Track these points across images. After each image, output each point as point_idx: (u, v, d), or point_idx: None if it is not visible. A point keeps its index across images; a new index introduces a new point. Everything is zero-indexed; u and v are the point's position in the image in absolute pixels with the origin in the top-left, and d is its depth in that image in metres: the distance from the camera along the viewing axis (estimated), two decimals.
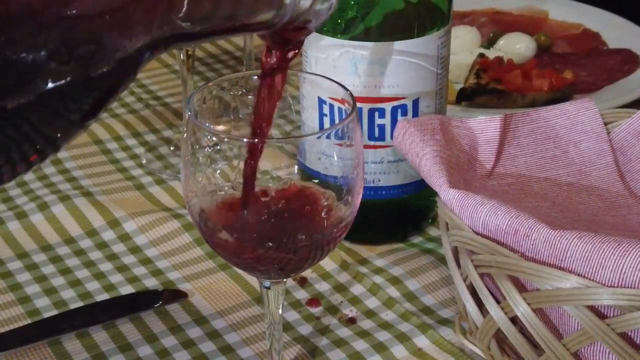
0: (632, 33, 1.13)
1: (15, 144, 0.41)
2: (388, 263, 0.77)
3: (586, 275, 0.56)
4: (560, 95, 0.99)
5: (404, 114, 0.74)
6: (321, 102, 0.72)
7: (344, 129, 0.55)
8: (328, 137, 0.56)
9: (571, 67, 1.06)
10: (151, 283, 0.75)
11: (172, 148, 0.95)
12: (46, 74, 0.40)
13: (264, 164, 0.56)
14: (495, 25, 1.15)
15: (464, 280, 0.64)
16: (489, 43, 1.11)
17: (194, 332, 0.70)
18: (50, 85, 0.40)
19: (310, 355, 0.68)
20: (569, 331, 0.58)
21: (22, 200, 0.86)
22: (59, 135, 0.43)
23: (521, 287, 0.60)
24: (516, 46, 1.09)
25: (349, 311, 0.72)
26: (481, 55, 1.05)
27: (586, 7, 1.19)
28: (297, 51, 0.55)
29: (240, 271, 0.75)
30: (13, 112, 0.39)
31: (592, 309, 0.56)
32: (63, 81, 0.40)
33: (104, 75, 0.42)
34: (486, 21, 1.16)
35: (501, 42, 1.10)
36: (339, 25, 0.72)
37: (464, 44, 1.08)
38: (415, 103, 0.74)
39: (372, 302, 0.73)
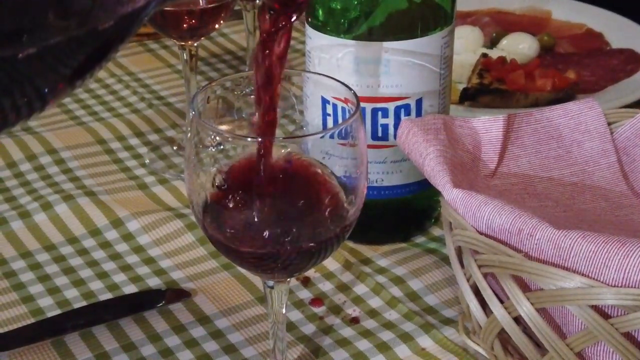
0: (635, 33, 1.13)
1: (15, 91, 0.41)
2: (391, 263, 0.77)
3: (590, 275, 0.56)
4: (563, 95, 0.99)
5: (407, 113, 0.74)
6: (324, 101, 0.72)
7: (347, 128, 0.55)
8: (332, 136, 0.56)
9: (574, 67, 1.06)
10: (154, 282, 0.75)
11: (175, 148, 0.95)
12: (48, 25, 0.40)
13: None
14: (498, 25, 1.15)
15: (468, 280, 0.64)
16: (492, 43, 1.11)
17: (197, 331, 0.70)
18: (53, 35, 0.40)
19: (314, 354, 0.68)
20: (572, 331, 0.58)
21: (25, 200, 0.86)
22: (54, 88, 0.43)
23: (525, 287, 0.60)
24: (519, 46, 1.09)
25: (352, 311, 0.72)
26: (484, 55, 1.05)
27: (589, 7, 1.19)
28: (299, 11, 0.53)
29: (243, 271, 0.75)
30: (20, 60, 0.39)
31: (596, 308, 0.56)
32: (66, 32, 0.40)
33: (108, 26, 0.42)
34: (489, 21, 1.16)
35: (504, 42, 1.10)
36: (342, 25, 0.72)
37: (467, 44, 1.08)
38: (419, 103, 0.74)
39: (375, 302, 0.73)
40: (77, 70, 0.43)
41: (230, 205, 0.56)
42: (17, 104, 0.42)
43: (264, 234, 0.55)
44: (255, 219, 0.55)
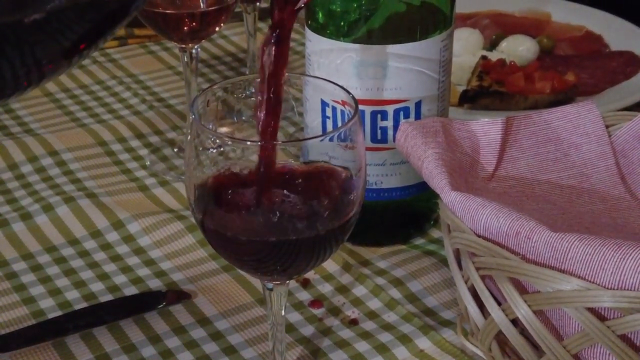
0: (634, 35, 1.13)
1: (24, 59, 0.42)
2: (390, 265, 0.77)
3: (587, 278, 0.56)
4: (562, 97, 0.99)
5: (407, 116, 0.74)
6: (324, 104, 0.73)
7: (346, 131, 0.55)
8: (331, 139, 0.56)
9: (573, 69, 1.06)
10: (155, 284, 0.76)
11: (175, 150, 0.95)
12: None
13: None
14: (498, 27, 1.15)
15: (466, 282, 0.64)
16: (492, 45, 1.12)
17: (198, 332, 0.70)
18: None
19: (313, 356, 0.68)
20: (569, 333, 0.59)
21: (26, 202, 0.86)
22: (63, 58, 0.43)
23: (522, 289, 0.60)
24: (519, 48, 1.09)
25: (352, 312, 0.72)
26: (484, 57, 1.06)
27: (589, 10, 1.19)
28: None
29: (243, 272, 0.76)
30: (30, 26, 0.40)
31: (593, 311, 0.57)
32: None
33: None
34: (489, 23, 1.16)
35: (504, 44, 1.10)
36: (342, 28, 0.72)
37: (467, 46, 1.09)
38: (418, 105, 0.74)
39: (374, 304, 0.73)
40: (86, 37, 0.43)
41: (230, 208, 0.57)
42: (24, 71, 0.42)
43: (263, 236, 0.55)
44: (254, 221, 0.56)
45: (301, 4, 0.55)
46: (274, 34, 0.55)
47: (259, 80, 0.56)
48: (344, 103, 0.59)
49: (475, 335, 0.66)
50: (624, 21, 1.16)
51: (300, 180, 0.59)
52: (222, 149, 0.57)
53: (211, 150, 0.56)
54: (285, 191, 0.57)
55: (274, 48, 0.55)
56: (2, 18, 0.40)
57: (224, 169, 0.58)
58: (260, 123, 0.56)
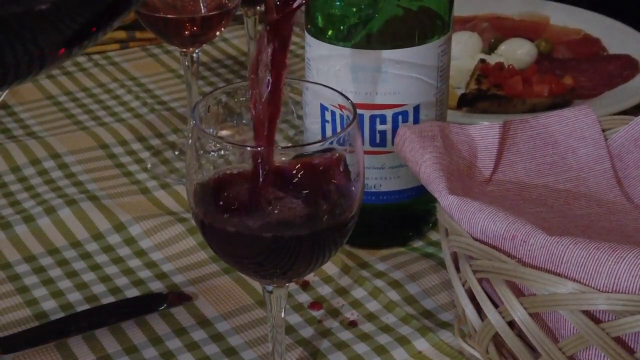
0: (632, 39, 1.13)
1: (29, 46, 0.42)
2: (389, 267, 0.78)
3: (582, 281, 0.57)
4: (560, 100, 1.00)
5: (405, 120, 0.75)
6: (323, 108, 0.73)
7: (345, 136, 0.56)
8: (330, 144, 0.57)
9: (571, 72, 1.07)
10: (156, 286, 0.76)
11: (176, 152, 0.96)
12: None
13: None
14: (497, 31, 1.16)
15: (463, 285, 0.65)
16: (490, 48, 1.12)
17: (198, 334, 0.71)
18: None
19: (312, 357, 0.69)
20: (565, 335, 0.59)
21: (29, 204, 0.87)
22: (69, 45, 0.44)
23: (518, 292, 0.61)
24: (517, 52, 1.10)
25: (351, 314, 0.73)
26: (482, 60, 1.06)
27: (587, 13, 1.20)
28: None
29: (243, 274, 0.76)
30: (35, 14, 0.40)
31: (588, 313, 0.57)
32: None
33: None
34: (487, 26, 1.17)
35: (502, 48, 1.11)
36: (341, 32, 0.73)
37: (466, 50, 1.09)
38: (416, 109, 0.75)
39: (373, 306, 0.74)
40: (87, 27, 0.44)
41: (229, 211, 0.57)
42: (26, 59, 0.43)
43: (263, 240, 0.56)
44: (254, 225, 0.56)
45: (298, 4, 0.55)
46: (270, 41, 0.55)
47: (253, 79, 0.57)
48: (342, 107, 0.60)
49: (472, 337, 0.66)
50: (622, 24, 1.16)
51: (299, 184, 0.59)
52: (222, 152, 0.57)
53: (212, 153, 0.57)
54: (284, 195, 0.58)
55: (272, 54, 0.55)
56: (6, 7, 0.40)
57: (224, 172, 0.58)
58: (257, 127, 0.56)
